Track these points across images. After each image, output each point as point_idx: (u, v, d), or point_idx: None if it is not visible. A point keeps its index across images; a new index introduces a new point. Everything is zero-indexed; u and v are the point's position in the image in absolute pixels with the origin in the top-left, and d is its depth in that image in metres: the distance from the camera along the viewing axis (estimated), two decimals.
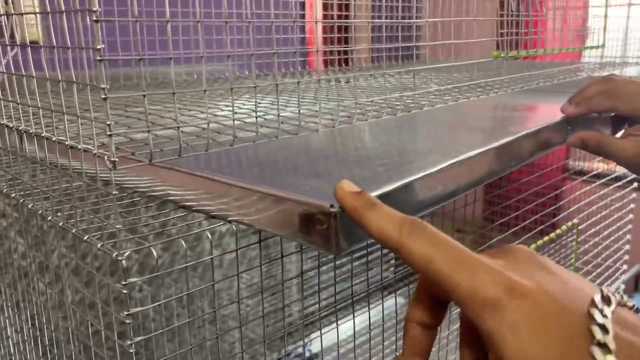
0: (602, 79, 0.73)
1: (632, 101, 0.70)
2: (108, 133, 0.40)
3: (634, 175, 1.47)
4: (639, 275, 2.05)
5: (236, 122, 0.55)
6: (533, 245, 1.04)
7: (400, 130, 0.71)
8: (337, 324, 0.86)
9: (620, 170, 1.44)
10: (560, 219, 1.18)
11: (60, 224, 0.51)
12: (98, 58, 0.39)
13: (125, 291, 0.42)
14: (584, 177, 1.35)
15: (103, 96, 0.40)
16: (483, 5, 0.79)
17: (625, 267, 1.28)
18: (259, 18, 1.25)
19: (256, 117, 0.54)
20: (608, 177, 1.37)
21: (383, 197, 0.45)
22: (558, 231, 1.02)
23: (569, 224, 1.05)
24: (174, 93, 0.45)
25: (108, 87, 0.40)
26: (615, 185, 1.35)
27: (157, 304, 0.52)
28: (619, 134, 0.78)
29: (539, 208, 1.21)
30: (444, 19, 0.71)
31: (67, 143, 0.46)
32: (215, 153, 0.58)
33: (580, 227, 1.08)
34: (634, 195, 1.46)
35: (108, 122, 0.40)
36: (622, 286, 1.31)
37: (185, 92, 0.91)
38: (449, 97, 0.72)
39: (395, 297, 0.97)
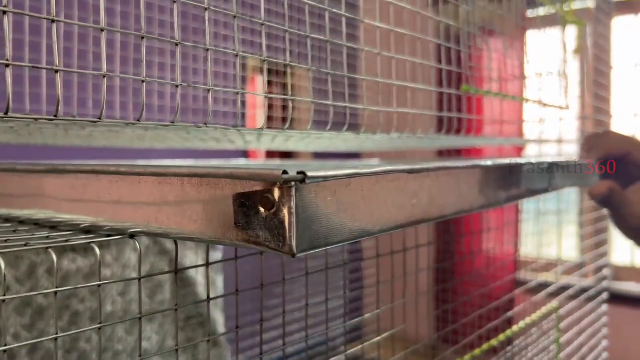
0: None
1: None
2: None
3: (592, 289, 1.38)
4: None
5: None
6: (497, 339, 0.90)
7: None
8: None
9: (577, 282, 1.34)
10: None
11: None
12: None
13: None
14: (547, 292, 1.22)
15: None
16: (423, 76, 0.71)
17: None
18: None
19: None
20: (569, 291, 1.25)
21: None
22: (539, 314, 0.88)
23: (549, 306, 0.92)
24: None
25: None
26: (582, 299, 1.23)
27: None
28: None
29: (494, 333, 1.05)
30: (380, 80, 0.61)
31: None
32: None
33: (560, 313, 0.94)
34: (604, 309, 1.36)
35: None
36: None
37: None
38: None
39: None
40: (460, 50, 0.75)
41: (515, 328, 0.84)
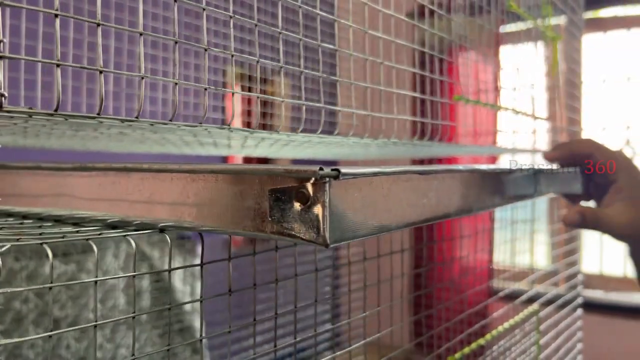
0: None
1: (610, 153, 0.69)
2: None
3: (568, 296, 1.42)
4: None
5: None
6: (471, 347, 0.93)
7: None
8: None
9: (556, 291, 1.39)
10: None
11: None
12: None
13: None
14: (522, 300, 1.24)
15: None
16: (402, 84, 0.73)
17: None
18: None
19: None
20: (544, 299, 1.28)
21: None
22: (521, 315, 0.92)
23: (530, 309, 0.96)
24: None
25: None
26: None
27: None
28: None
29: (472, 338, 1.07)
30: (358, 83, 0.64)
31: None
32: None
33: (540, 315, 0.98)
34: (579, 319, 1.40)
35: None
36: None
37: None
38: None
39: None
40: (442, 59, 0.78)
41: (500, 328, 0.87)
